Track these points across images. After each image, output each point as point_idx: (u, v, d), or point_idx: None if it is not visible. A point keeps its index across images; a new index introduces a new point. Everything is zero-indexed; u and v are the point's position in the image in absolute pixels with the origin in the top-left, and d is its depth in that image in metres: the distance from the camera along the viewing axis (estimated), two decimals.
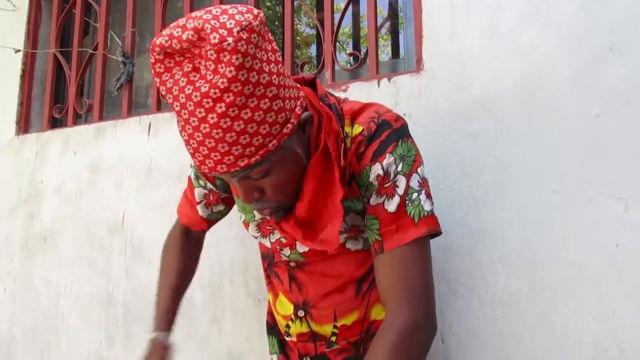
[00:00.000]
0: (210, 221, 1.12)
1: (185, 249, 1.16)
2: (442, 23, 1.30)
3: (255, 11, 0.74)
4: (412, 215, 0.84)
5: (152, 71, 0.75)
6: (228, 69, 0.68)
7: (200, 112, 0.70)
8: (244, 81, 0.69)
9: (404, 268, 0.83)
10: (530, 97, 1.17)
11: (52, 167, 1.92)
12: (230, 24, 0.69)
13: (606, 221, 1.07)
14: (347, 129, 0.88)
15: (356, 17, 1.96)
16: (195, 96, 0.70)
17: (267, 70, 0.72)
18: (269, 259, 1.06)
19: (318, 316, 0.98)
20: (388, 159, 0.85)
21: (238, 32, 0.69)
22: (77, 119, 2.01)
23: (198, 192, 1.06)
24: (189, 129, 0.73)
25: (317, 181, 0.85)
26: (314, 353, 1.00)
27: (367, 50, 1.43)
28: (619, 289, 1.04)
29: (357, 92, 1.37)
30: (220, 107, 0.69)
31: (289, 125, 0.76)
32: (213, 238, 1.52)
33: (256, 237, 1.00)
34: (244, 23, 0.70)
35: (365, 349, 0.98)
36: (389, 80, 1.34)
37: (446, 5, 1.30)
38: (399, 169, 0.85)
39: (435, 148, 1.24)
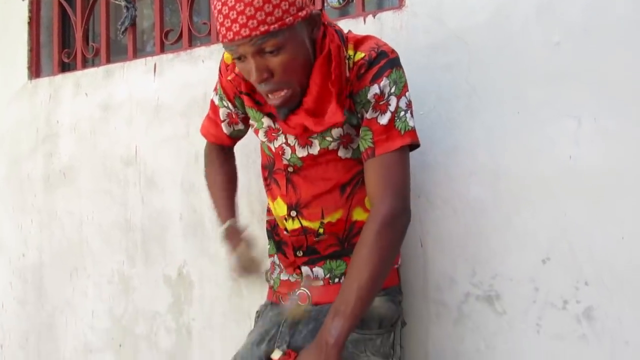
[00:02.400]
0: (233, 137, 1.33)
1: (223, 159, 1.37)
2: None
3: None
4: (399, 129, 1.06)
5: None
6: None
7: None
8: None
9: (389, 170, 1.05)
10: (500, 29, 1.30)
11: (65, 108, 2.06)
12: None
13: (562, 136, 1.23)
14: (350, 52, 1.08)
15: None
16: None
17: None
18: (269, 168, 1.25)
19: (308, 214, 1.17)
20: (384, 82, 1.05)
21: None
22: (86, 63, 2.13)
23: (222, 112, 1.27)
24: None
25: (323, 77, 1.04)
26: (306, 245, 1.19)
27: None
28: (571, 194, 1.21)
29: (344, 29, 1.50)
30: None
31: (303, 12, 0.98)
32: None
33: (264, 142, 1.21)
34: None
35: (349, 245, 1.17)
36: (373, 16, 1.46)
37: None
38: (392, 91, 1.06)
39: (415, 78, 1.36)
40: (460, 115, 1.34)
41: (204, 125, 1.36)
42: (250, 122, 1.23)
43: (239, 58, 1.00)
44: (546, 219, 1.23)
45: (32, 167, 2.15)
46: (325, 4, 1.61)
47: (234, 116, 1.27)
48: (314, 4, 1.61)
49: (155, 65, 1.86)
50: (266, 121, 1.17)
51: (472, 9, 1.34)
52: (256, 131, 1.21)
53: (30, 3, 2.22)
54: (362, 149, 1.09)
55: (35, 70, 2.22)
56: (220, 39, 0.98)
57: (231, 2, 0.93)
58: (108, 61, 2.03)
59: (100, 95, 1.98)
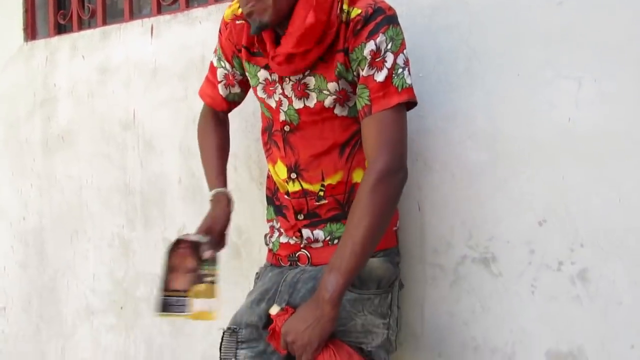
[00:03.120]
0: (229, 101, 1.33)
1: (216, 123, 1.37)
2: None
3: None
4: (396, 85, 1.06)
5: None
6: None
7: None
8: None
9: (386, 127, 1.05)
10: None
11: (62, 71, 2.05)
12: None
13: (561, 98, 1.21)
14: (345, 6, 1.08)
15: None
16: None
17: None
18: (268, 130, 1.24)
19: (308, 177, 1.18)
20: (380, 38, 1.05)
21: None
22: (82, 24, 2.10)
23: (220, 72, 1.28)
24: None
25: (310, 7, 1.04)
26: (307, 209, 1.20)
27: None
28: (569, 158, 1.21)
29: None
30: None
31: None
32: None
33: (263, 99, 1.21)
34: None
35: (349, 208, 1.16)
36: None
37: None
38: (389, 47, 1.06)
39: (416, 39, 1.35)
40: (460, 79, 1.32)
41: (202, 87, 1.37)
42: (248, 77, 1.23)
43: None
44: (543, 182, 1.23)
45: (30, 131, 2.14)
46: None
47: (230, 77, 1.28)
48: None
49: (152, 26, 1.84)
50: (262, 74, 1.18)
51: None
52: (254, 89, 1.23)
53: None
54: (359, 107, 1.09)
55: (31, 32, 2.19)
56: None
57: None
58: (104, 23, 2.00)
59: (97, 58, 1.96)
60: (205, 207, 1.71)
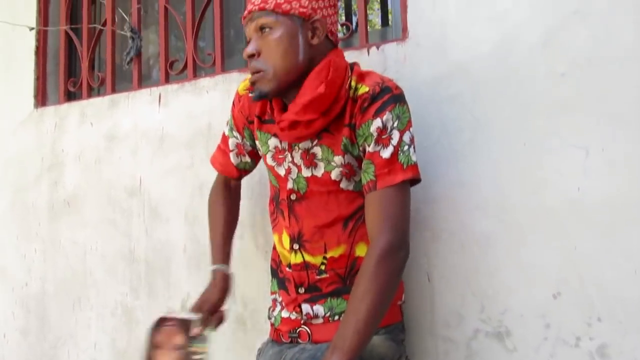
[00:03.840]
0: (240, 169, 1.36)
1: (227, 195, 1.40)
2: None
3: None
4: (402, 162, 1.08)
5: None
6: None
7: None
8: None
9: (389, 204, 1.05)
10: (504, 60, 1.30)
11: (71, 137, 2.07)
12: None
13: (569, 168, 1.21)
14: (353, 83, 1.12)
15: None
16: None
17: None
18: (276, 200, 1.25)
19: (311, 248, 1.17)
20: (387, 116, 1.07)
21: None
22: (91, 92, 2.14)
23: (232, 142, 1.33)
24: None
25: (319, 84, 1.08)
26: (307, 282, 1.18)
27: (357, 21, 1.55)
28: (580, 227, 1.19)
29: (348, 60, 1.49)
30: None
31: (304, 10, 1.08)
32: None
33: (273, 167, 1.23)
34: None
35: (351, 282, 1.14)
36: (377, 48, 1.46)
37: None
38: (395, 125, 1.08)
39: (420, 109, 1.36)
40: (465, 148, 1.32)
41: (214, 155, 1.40)
42: (258, 146, 1.27)
43: (248, 42, 1.12)
44: (556, 252, 1.21)
45: (37, 196, 2.15)
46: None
47: (241, 147, 1.32)
48: None
49: (160, 95, 1.87)
50: (273, 142, 1.21)
51: (476, 40, 1.33)
52: (264, 158, 1.25)
53: (38, 32, 2.24)
54: (363, 181, 1.10)
55: (42, 98, 2.23)
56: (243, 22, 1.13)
57: None
58: (113, 91, 2.04)
59: (106, 125, 1.98)
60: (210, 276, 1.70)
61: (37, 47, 2.24)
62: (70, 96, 2.21)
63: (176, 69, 1.89)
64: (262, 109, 1.22)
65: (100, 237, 1.95)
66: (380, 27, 2.03)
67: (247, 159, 1.34)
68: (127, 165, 1.91)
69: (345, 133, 1.12)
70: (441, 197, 1.33)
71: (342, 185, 1.15)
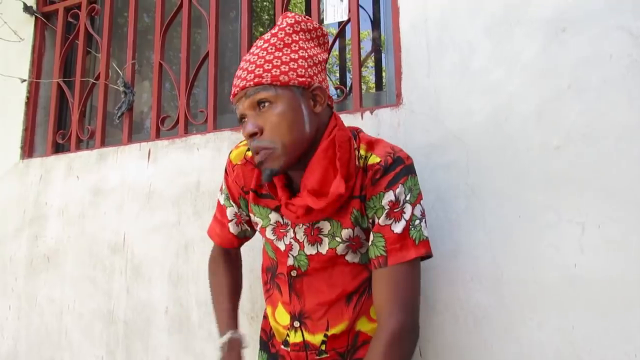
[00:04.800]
0: (240, 238, 1.26)
1: (228, 265, 1.29)
2: (419, 60, 1.43)
3: (323, 28, 1.11)
4: (414, 238, 1.01)
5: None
6: (283, 24, 1.04)
7: (252, 50, 1.03)
8: (287, 34, 1.02)
9: (400, 282, 0.99)
10: (499, 130, 1.29)
11: (56, 190, 2.02)
12: (305, 17, 1.07)
13: (566, 243, 1.18)
14: (362, 152, 1.06)
15: (342, 51, 2.10)
16: (257, 43, 1.05)
17: (309, 47, 1.04)
18: (272, 272, 1.18)
19: (312, 326, 1.10)
20: (400, 189, 1.01)
21: (306, 17, 1.06)
22: (80, 145, 2.11)
23: (230, 212, 1.22)
24: (246, 57, 1.03)
25: (328, 161, 1.01)
26: None
27: (351, 84, 1.55)
28: (578, 305, 1.15)
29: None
30: (264, 44, 1.02)
31: (302, 79, 1.00)
32: (207, 259, 1.63)
33: (273, 240, 1.14)
34: (314, 21, 1.08)
35: (350, 359, 1.08)
36: (371, 113, 1.46)
37: (422, 44, 1.43)
38: (407, 198, 1.02)
39: None
40: (460, 217, 1.30)
41: (211, 227, 1.29)
42: (254, 220, 1.17)
43: (242, 119, 1.03)
44: (553, 330, 1.16)
45: (16, 249, 2.07)
46: None
47: (240, 217, 1.22)
48: None
49: (149, 150, 1.84)
50: (274, 216, 1.12)
51: (470, 109, 1.33)
52: (262, 231, 1.15)
53: (30, 84, 2.23)
54: (372, 255, 1.03)
55: (28, 149, 2.20)
56: (231, 101, 1.04)
57: (243, 64, 1.02)
58: (103, 144, 2.01)
59: (92, 179, 1.94)
60: (191, 341, 1.62)
61: (28, 99, 2.23)
62: (58, 148, 2.18)
63: (167, 125, 1.87)
64: (258, 181, 1.13)
65: (79, 295, 1.87)
66: (374, 90, 2.05)
67: (247, 227, 1.24)
68: (112, 220, 1.85)
69: (355, 205, 1.05)
70: (436, 266, 1.30)
71: (348, 258, 1.09)
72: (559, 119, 1.23)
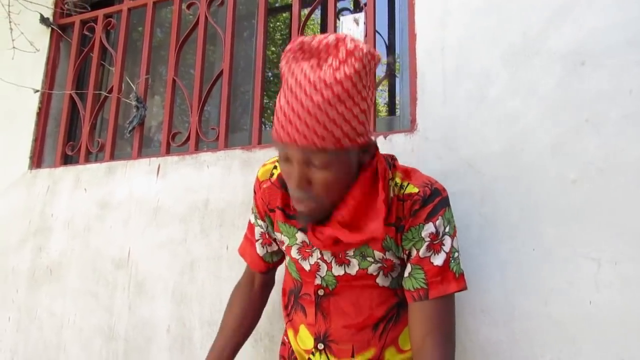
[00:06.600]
0: (267, 262, 1.22)
1: (247, 296, 1.25)
2: (435, 87, 1.42)
3: (377, 53, 0.93)
4: (454, 271, 1.01)
5: (284, 57, 0.91)
6: (348, 69, 0.86)
7: (310, 90, 0.86)
8: (353, 83, 0.86)
9: (442, 314, 0.99)
10: (514, 161, 1.28)
11: (62, 202, 2.01)
12: (363, 45, 0.89)
13: (581, 279, 1.16)
14: (398, 180, 1.03)
15: None
16: (313, 77, 0.86)
17: (368, 90, 0.90)
18: (295, 293, 1.15)
19: (337, 350, 1.07)
20: (439, 221, 1.00)
21: (367, 51, 0.88)
22: (89, 157, 2.10)
23: (257, 231, 1.20)
24: (292, 100, 0.87)
25: (363, 193, 0.99)
26: None
27: None
28: (592, 344, 1.12)
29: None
30: (327, 93, 0.85)
31: (362, 138, 0.92)
32: (213, 278, 1.61)
33: (298, 260, 1.11)
34: (372, 51, 0.90)
35: None
36: (385, 137, 1.45)
37: (438, 71, 1.42)
38: (446, 230, 1.01)
39: None
40: (472, 247, 1.27)
41: (242, 245, 1.27)
42: (280, 239, 1.14)
43: (286, 159, 0.95)
44: None
45: (18, 260, 2.05)
46: None
47: (266, 236, 1.20)
48: None
49: (159, 166, 1.83)
50: (300, 236, 1.09)
51: (485, 138, 1.32)
52: (288, 249, 1.13)
53: (42, 94, 2.23)
54: (410, 287, 1.01)
55: (37, 160, 2.19)
56: (273, 136, 0.93)
57: (298, 108, 0.87)
58: (112, 157, 2.00)
59: (100, 192, 1.93)
60: None
61: (40, 109, 2.23)
62: (67, 160, 2.17)
63: (178, 141, 1.87)
64: (285, 200, 1.09)
65: (80, 309, 1.84)
66: (384, 114, 2.04)
67: (274, 247, 1.20)
68: (117, 235, 1.84)
69: (390, 233, 1.02)
70: None
71: (379, 280, 1.06)
72: (576, 152, 1.22)
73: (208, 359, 1.18)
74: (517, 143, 1.28)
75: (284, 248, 1.14)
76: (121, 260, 1.80)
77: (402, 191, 1.01)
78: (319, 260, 1.08)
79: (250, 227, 1.23)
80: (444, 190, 1.04)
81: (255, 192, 1.18)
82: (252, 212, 1.21)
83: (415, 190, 1.01)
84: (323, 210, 0.99)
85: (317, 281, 1.10)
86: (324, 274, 1.09)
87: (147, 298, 1.72)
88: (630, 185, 1.16)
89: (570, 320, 1.15)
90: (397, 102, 1.85)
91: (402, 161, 1.39)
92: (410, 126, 1.44)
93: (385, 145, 1.44)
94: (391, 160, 1.08)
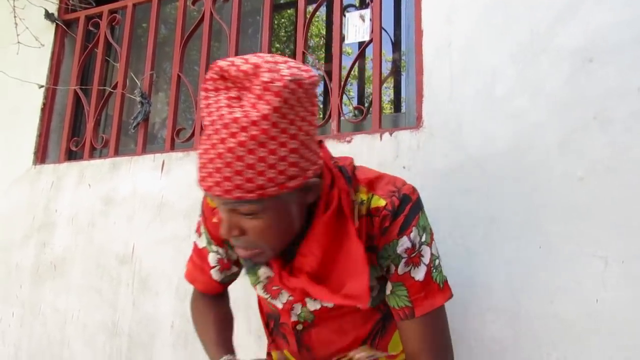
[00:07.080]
0: (224, 284, 1.09)
1: (213, 302, 1.11)
2: (441, 84, 1.41)
3: (313, 72, 0.79)
4: (437, 281, 0.93)
5: (203, 86, 0.79)
6: (265, 106, 0.73)
7: (223, 133, 0.74)
8: (273, 123, 0.73)
9: (433, 331, 0.93)
10: (521, 159, 1.27)
11: (66, 198, 2.01)
12: (285, 72, 0.75)
13: (587, 277, 1.15)
14: (362, 196, 0.91)
15: (362, 71, 2.09)
16: (227, 118, 0.74)
17: (297, 125, 0.76)
18: (274, 319, 1.09)
19: None
20: (414, 232, 0.90)
21: (288, 80, 0.74)
22: (93, 153, 2.10)
23: (212, 257, 1.05)
24: (207, 144, 0.76)
25: (329, 238, 0.87)
26: None
27: (370, 103, 1.54)
28: (599, 342, 1.12)
29: (360, 144, 1.47)
30: (242, 136, 0.73)
31: (295, 182, 0.78)
32: None
33: (266, 299, 1.02)
34: (296, 76, 0.75)
35: None
36: (390, 134, 1.44)
37: (445, 68, 1.42)
38: (423, 239, 0.92)
39: (432, 201, 1.32)
40: (478, 245, 1.27)
41: (189, 271, 1.11)
42: (245, 272, 1.03)
43: (217, 204, 0.84)
44: None
45: (22, 256, 2.05)
46: (342, 117, 1.59)
47: (225, 261, 1.05)
48: (329, 117, 1.60)
49: (163, 162, 1.83)
50: (264, 272, 0.98)
51: (492, 135, 1.32)
52: (254, 286, 1.02)
53: (47, 90, 2.23)
54: (394, 305, 0.94)
55: (41, 156, 2.19)
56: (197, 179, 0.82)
57: (212, 154, 0.75)
58: (116, 153, 2.00)
59: (104, 188, 1.93)
60: (196, 357, 1.59)
61: (44, 104, 2.23)
62: (71, 156, 2.17)
63: (182, 137, 1.86)
64: None
65: (84, 305, 1.84)
66: (390, 111, 2.04)
67: (234, 269, 1.07)
68: (121, 230, 1.83)
69: (367, 255, 0.91)
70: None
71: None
72: (583, 150, 1.21)
73: (216, 351, 1.01)
74: (524, 140, 1.28)
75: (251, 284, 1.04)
76: (125, 256, 1.80)
77: (369, 206, 0.91)
78: (290, 298, 0.98)
79: (200, 252, 1.06)
80: (414, 191, 0.93)
81: (205, 217, 1.03)
82: (201, 237, 1.05)
83: (382, 203, 0.90)
84: (267, 256, 0.88)
85: (293, 318, 1.02)
86: (299, 311, 1.00)
87: (151, 294, 1.72)
88: (637, 183, 1.15)
89: (576, 319, 1.14)
90: (402, 98, 1.84)
91: (407, 158, 1.40)
92: (416, 123, 1.44)
93: (391, 142, 1.44)
94: (350, 172, 0.93)
